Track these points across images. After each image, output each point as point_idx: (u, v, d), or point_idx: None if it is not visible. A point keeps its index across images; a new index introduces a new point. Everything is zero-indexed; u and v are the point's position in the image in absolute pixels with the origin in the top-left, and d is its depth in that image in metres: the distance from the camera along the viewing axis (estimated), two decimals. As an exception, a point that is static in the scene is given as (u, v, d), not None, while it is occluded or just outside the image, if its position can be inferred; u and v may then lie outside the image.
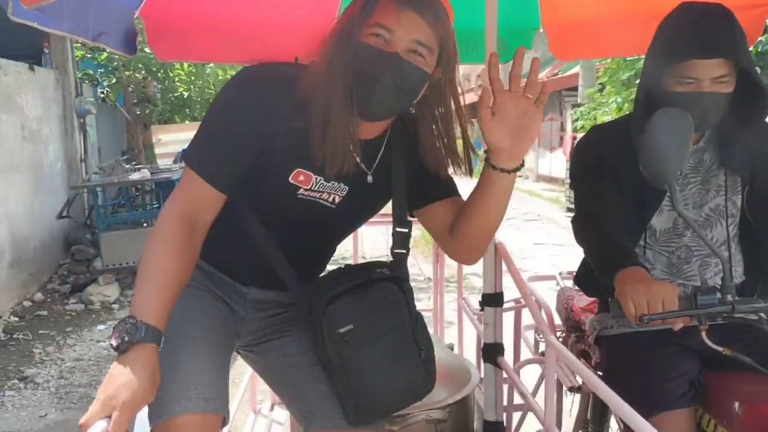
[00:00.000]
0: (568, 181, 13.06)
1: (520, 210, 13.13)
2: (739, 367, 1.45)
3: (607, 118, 13.32)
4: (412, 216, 1.62)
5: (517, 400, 2.33)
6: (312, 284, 1.56)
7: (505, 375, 2.18)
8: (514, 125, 1.33)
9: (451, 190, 1.59)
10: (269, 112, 1.36)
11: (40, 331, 5.52)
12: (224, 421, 1.38)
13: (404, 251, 1.58)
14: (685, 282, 1.76)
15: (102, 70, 8.95)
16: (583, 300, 2.33)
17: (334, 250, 1.72)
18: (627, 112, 10.88)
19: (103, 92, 8.71)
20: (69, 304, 6.29)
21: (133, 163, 7.89)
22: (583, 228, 1.76)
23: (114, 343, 1.20)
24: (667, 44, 1.65)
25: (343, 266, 1.60)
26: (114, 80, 8.77)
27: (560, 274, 2.79)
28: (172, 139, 7.83)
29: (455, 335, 3.14)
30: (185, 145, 7.50)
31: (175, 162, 7.26)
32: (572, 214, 2.10)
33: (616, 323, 1.82)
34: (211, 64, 9.42)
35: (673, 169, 1.38)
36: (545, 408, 1.71)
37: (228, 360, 1.51)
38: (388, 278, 1.52)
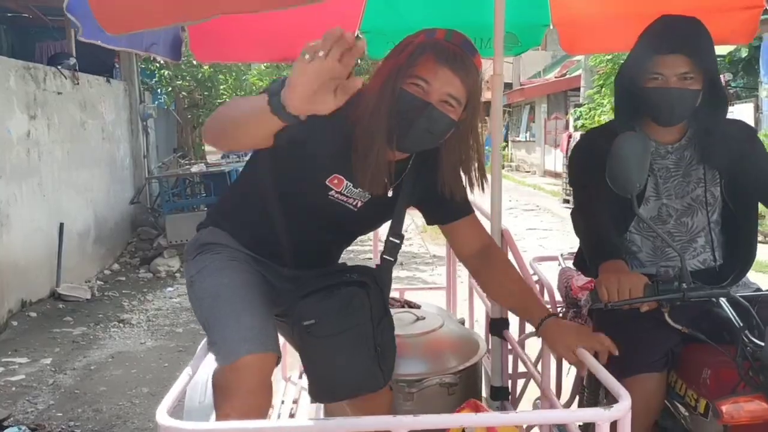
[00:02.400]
0: (565, 175, 14.31)
1: (522, 202, 14.41)
2: (710, 341, 1.62)
3: (605, 117, 14.54)
4: (430, 224, 1.93)
5: (522, 368, 2.52)
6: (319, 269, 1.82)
7: (510, 346, 2.36)
8: None
9: (468, 209, 1.87)
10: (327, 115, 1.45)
11: (123, 291, 6.99)
12: (278, 360, 1.62)
13: (392, 259, 1.81)
14: (666, 264, 1.93)
15: (156, 79, 10.49)
16: (581, 279, 2.49)
17: (343, 249, 1.95)
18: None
19: (161, 99, 10.25)
20: (140, 273, 7.75)
21: (187, 158, 9.44)
22: (578, 222, 1.98)
23: (269, 96, 1.27)
24: (640, 47, 1.88)
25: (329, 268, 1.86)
26: (170, 89, 10.33)
27: (562, 255, 2.96)
28: (220, 139, 9.29)
29: (466, 311, 3.43)
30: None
31: (222, 158, 8.75)
32: (567, 205, 2.75)
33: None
34: (247, 75, 10.89)
35: (633, 183, 1.59)
36: (542, 375, 1.91)
37: (272, 317, 1.73)
38: (356, 283, 1.71)
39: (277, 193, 1.70)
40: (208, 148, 9.57)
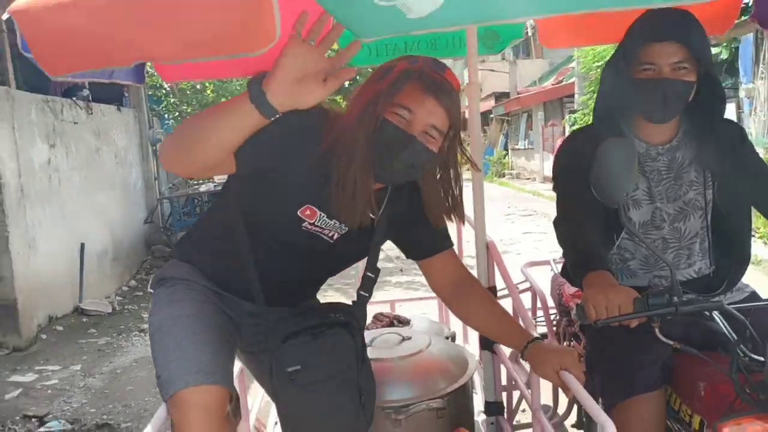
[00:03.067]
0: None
1: (521, 207, 14.82)
2: (703, 356, 1.54)
3: (598, 123, 14.97)
4: (409, 258, 1.83)
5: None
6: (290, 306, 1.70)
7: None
8: None
9: (449, 242, 1.78)
10: (299, 141, 1.48)
11: (141, 305, 7.45)
12: (231, 397, 1.48)
13: (367, 295, 1.74)
14: (660, 273, 1.88)
15: (163, 105, 11.07)
16: (572, 287, 2.42)
17: (318, 287, 1.86)
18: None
19: (168, 123, 10.85)
20: (156, 288, 8.23)
21: (198, 180, 10.01)
22: (560, 231, 1.86)
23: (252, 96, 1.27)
24: (630, 36, 1.77)
25: (306, 305, 1.76)
26: (176, 114, 10.93)
27: (554, 260, 2.85)
28: (226, 159, 9.87)
29: (459, 323, 3.10)
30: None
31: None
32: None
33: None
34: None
35: (620, 192, 1.49)
36: (532, 395, 1.84)
37: (232, 349, 1.63)
38: (342, 323, 1.66)
39: (248, 225, 1.61)
40: (215, 168, 10.09)
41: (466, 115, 2.36)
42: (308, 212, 1.56)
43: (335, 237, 1.62)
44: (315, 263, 1.68)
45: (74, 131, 7.29)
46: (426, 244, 1.78)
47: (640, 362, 1.74)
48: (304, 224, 1.57)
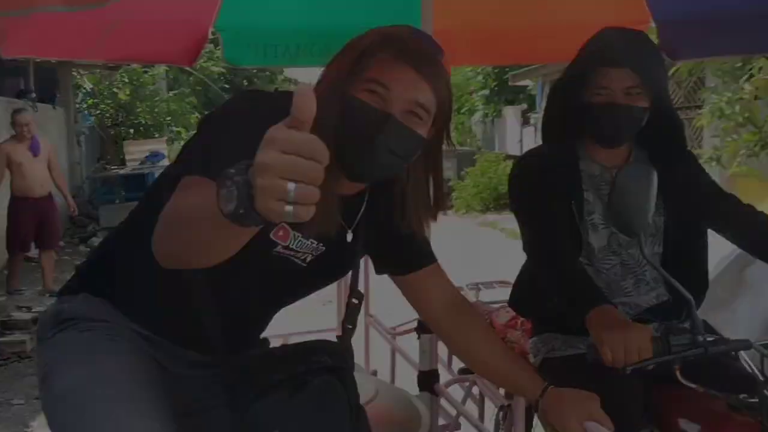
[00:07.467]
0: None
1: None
2: (682, 384, 1.43)
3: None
4: (381, 273, 1.53)
5: (441, 420, 2.29)
6: (242, 351, 1.37)
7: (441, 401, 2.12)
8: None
9: (434, 256, 1.51)
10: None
11: (73, 257, 9.94)
12: None
13: (352, 327, 1.47)
14: (621, 301, 1.76)
15: (85, 104, 13.57)
16: (502, 315, 2.30)
17: (270, 320, 1.50)
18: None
19: (90, 119, 13.35)
20: (81, 249, 10.71)
21: (112, 165, 12.57)
22: (542, 259, 1.76)
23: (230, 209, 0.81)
24: (582, 59, 1.74)
25: (278, 347, 1.47)
26: (98, 111, 13.47)
27: (467, 285, 2.70)
28: (138, 149, 12.58)
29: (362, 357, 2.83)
30: (146, 153, 12.47)
31: (141, 164, 11.88)
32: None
33: (562, 346, 1.82)
34: (162, 99, 14.09)
35: (642, 221, 1.44)
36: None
37: (171, 415, 1.25)
38: (331, 369, 1.35)
39: None
40: (129, 156, 12.64)
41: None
42: (281, 233, 1.23)
43: (308, 260, 1.32)
44: (280, 292, 1.39)
45: (25, 125, 9.64)
46: (411, 256, 1.48)
47: (622, 400, 1.56)
48: (276, 249, 1.25)
